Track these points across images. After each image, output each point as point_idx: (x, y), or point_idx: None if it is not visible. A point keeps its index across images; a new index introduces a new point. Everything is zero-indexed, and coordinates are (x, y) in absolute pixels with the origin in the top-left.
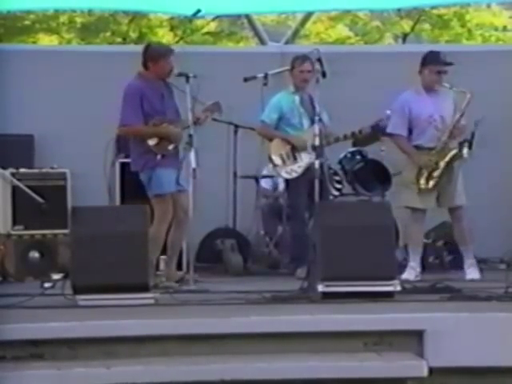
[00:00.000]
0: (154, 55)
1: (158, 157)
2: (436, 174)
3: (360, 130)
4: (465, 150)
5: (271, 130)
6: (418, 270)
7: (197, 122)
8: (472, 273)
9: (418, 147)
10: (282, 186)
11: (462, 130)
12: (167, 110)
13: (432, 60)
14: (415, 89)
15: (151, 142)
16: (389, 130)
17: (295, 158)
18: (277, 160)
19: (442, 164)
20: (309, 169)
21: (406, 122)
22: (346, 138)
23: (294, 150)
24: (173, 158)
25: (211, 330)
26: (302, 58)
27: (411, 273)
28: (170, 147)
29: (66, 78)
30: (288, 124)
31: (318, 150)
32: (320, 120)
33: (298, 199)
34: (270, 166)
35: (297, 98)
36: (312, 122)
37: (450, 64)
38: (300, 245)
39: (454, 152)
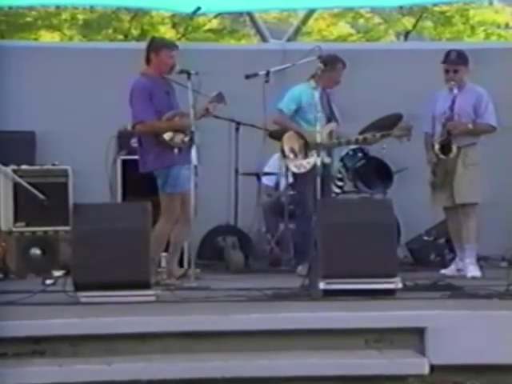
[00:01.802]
0: (157, 46)
1: (175, 150)
2: (432, 170)
3: (373, 134)
4: (437, 149)
5: (288, 121)
6: (462, 265)
7: (206, 113)
8: (473, 270)
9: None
10: (283, 183)
11: (451, 127)
12: (174, 106)
13: (443, 59)
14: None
15: (167, 137)
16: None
17: (306, 154)
18: (288, 153)
19: (434, 161)
20: (315, 167)
21: (431, 119)
22: (357, 141)
23: (307, 145)
24: (187, 153)
25: (212, 327)
26: (342, 62)
27: (451, 269)
28: (186, 139)
29: (68, 74)
30: (303, 118)
31: (325, 146)
32: (335, 119)
33: (306, 194)
34: (281, 156)
35: (316, 94)
36: (327, 119)
37: (454, 63)
38: (304, 242)
39: (436, 150)
